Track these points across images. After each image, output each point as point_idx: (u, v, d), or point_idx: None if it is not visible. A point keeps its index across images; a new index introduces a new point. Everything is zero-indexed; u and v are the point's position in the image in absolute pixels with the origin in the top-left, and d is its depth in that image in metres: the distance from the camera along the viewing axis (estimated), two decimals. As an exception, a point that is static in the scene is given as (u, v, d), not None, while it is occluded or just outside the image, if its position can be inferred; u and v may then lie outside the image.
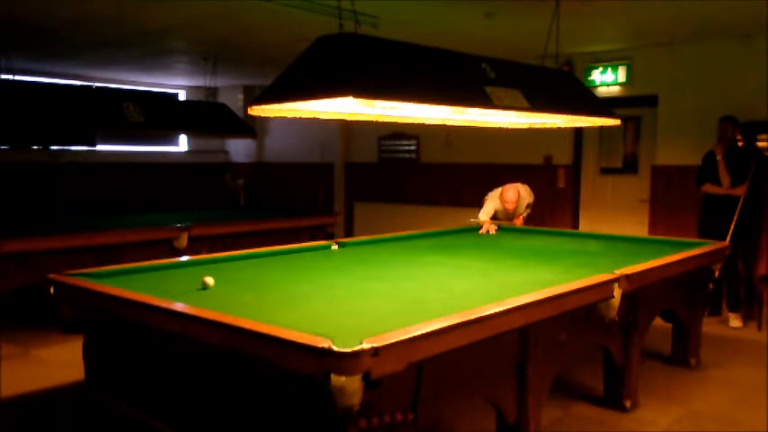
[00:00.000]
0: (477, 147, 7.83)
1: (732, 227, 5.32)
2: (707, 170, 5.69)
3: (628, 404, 3.65)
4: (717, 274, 4.58)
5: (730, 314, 5.61)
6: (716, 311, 5.76)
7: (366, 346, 1.91)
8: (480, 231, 5.47)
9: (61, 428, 3.49)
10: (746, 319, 5.62)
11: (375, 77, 2.76)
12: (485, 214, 5.74)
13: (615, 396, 3.67)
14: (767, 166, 5.69)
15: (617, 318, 3.22)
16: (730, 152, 5.61)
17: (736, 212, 5.39)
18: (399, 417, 2.15)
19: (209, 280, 3.01)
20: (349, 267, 3.71)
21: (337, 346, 1.90)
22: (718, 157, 5.57)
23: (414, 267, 3.73)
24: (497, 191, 5.88)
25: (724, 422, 3.54)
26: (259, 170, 10.35)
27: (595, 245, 4.71)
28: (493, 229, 5.50)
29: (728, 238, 5.15)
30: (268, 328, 2.12)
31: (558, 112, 3.86)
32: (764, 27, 5.62)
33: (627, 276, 3.24)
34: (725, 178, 5.53)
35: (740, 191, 5.46)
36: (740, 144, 5.81)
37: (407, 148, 8.77)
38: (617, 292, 3.16)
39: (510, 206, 5.80)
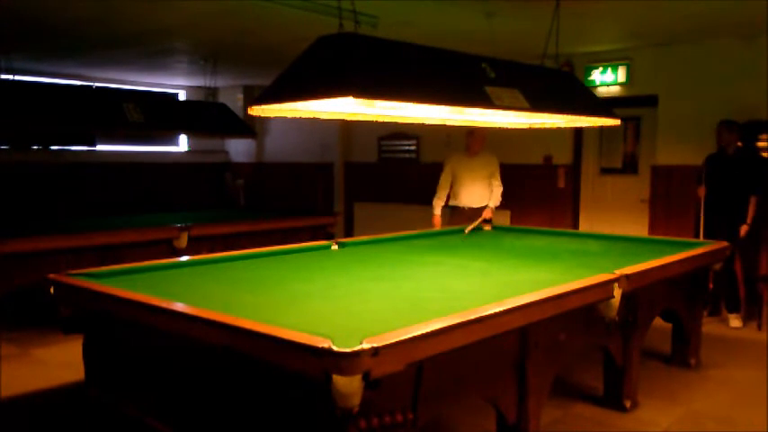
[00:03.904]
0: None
1: (702, 225, 5.54)
2: (704, 173, 5.73)
3: (628, 404, 3.65)
4: (712, 274, 4.61)
5: (730, 314, 5.61)
6: (716, 311, 5.76)
7: (366, 346, 1.91)
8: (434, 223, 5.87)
9: (61, 428, 3.49)
10: (746, 319, 5.62)
11: (375, 77, 2.76)
12: (439, 197, 6.01)
13: (615, 396, 3.67)
14: (764, 168, 5.71)
15: (617, 318, 3.22)
16: (722, 155, 5.65)
17: (701, 212, 5.57)
18: (399, 417, 2.15)
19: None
20: (349, 267, 3.71)
21: (337, 346, 1.90)
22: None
23: (414, 267, 3.73)
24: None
25: (724, 422, 3.54)
26: (259, 170, 10.35)
27: (595, 245, 4.71)
28: (438, 222, 5.92)
29: (701, 236, 5.44)
30: (268, 328, 2.12)
31: (558, 112, 3.86)
32: (765, 27, 5.62)
33: (627, 276, 3.24)
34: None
35: (701, 192, 5.66)
36: (739, 145, 5.81)
37: (407, 148, 8.77)
38: (617, 292, 3.16)
39: (477, 139, 5.94)
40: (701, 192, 5.70)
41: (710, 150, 5.88)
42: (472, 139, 5.99)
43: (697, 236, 5.60)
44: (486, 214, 5.94)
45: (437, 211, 6.00)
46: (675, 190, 6.54)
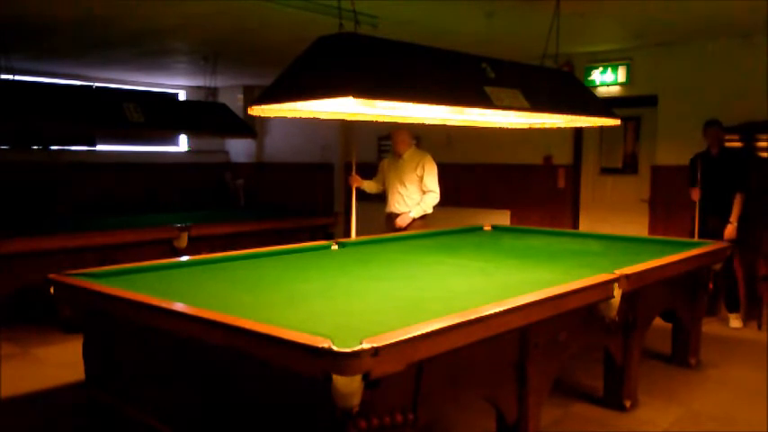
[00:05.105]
0: (477, 147, 7.83)
1: (696, 227, 5.54)
2: (696, 173, 5.76)
3: (628, 404, 3.65)
4: (712, 274, 4.62)
5: (730, 314, 5.61)
6: (713, 311, 5.75)
7: (366, 346, 1.91)
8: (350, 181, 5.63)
9: (61, 428, 3.49)
10: (746, 319, 5.61)
11: (375, 77, 2.76)
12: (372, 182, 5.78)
13: (615, 396, 3.67)
14: (750, 166, 5.75)
15: (617, 318, 3.22)
16: (709, 155, 5.69)
17: (696, 213, 5.57)
18: (399, 417, 2.15)
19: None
20: (349, 267, 3.71)
21: (337, 346, 1.90)
22: None
23: (414, 267, 3.73)
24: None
25: (724, 422, 3.54)
26: (259, 170, 10.34)
27: (595, 245, 4.71)
28: (356, 182, 5.63)
29: (696, 237, 5.45)
30: (268, 328, 2.12)
31: (558, 112, 3.86)
32: (765, 27, 5.62)
33: (627, 276, 3.24)
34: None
35: (695, 194, 5.65)
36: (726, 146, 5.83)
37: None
38: (617, 292, 3.16)
39: (398, 139, 5.56)
40: (696, 194, 5.67)
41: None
42: (393, 139, 5.63)
43: (692, 237, 5.60)
44: (399, 221, 5.47)
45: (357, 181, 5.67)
46: (675, 190, 6.54)
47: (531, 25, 5.32)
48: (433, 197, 5.53)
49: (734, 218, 5.50)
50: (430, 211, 5.57)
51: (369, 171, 9.14)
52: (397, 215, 5.57)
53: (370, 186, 5.87)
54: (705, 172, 5.64)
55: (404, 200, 5.57)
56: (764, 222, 5.81)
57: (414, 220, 5.52)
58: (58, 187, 8.36)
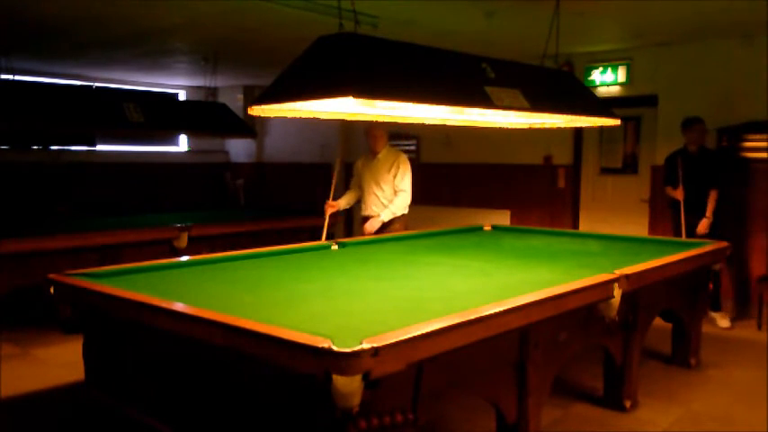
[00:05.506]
0: (477, 147, 7.83)
1: (683, 227, 5.54)
2: (670, 173, 5.79)
3: (628, 404, 3.65)
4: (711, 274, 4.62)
5: (714, 314, 5.58)
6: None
7: (366, 346, 1.91)
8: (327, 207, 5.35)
9: (61, 428, 3.49)
10: (737, 318, 5.60)
11: (375, 77, 2.76)
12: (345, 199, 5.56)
13: (615, 396, 3.67)
14: (724, 163, 5.77)
15: (617, 318, 3.22)
16: (687, 154, 5.72)
17: (682, 215, 5.57)
18: (399, 417, 2.15)
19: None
20: (349, 267, 3.71)
21: (337, 345, 1.90)
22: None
23: (414, 267, 3.73)
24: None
25: (724, 422, 3.54)
26: (259, 170, 10.34)
27: (595, 245, 4.71)
28: (332, 208, 5.34)
29: (683, 236, 5.45)
30: (268, 328, 2.12)
31: (558, 112, 3.86)
32: (765, 27, 5.62)
33: (627, 276, 3.24)
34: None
35: (679, 194, 5.64)
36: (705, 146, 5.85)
37: (407, 148, 8.75)
38: (617, 292, 3.16)
39: (373, 137, 5.41)
40: (680, 193, 5.64)
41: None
42: (368, 137, 5.47)
43: (678, 237, 5.59)
44: (367, 227, 5.27)
45: (336, 201, 5.47)
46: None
47: (531, 25, 5.31)
48: (404, 197, 5.33)
49: (709, 213, 5.54)
50: (400, 213, 5.35)
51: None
52: (372, 217, 5.38)
53: (348, 201, 5.65)
54: (686, 171, 5.65)
55: (380, 201, 5.37)
56: (763, 223, 5.82)
57: (383, 224, 5.30)
58: (58, 187, 8.36)
